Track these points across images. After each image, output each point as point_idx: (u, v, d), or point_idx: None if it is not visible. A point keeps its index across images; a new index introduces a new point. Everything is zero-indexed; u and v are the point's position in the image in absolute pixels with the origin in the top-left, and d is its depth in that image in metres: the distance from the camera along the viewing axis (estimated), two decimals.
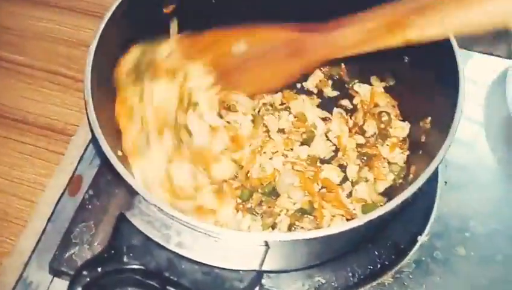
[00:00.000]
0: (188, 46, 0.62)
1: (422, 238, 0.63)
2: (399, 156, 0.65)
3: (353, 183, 0.64)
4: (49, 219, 0.61)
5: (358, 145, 0.67)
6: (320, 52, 0.61)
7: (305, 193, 0.63)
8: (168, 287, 0.43)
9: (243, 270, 0.41)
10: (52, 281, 0.64)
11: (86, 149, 0.67)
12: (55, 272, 0.63)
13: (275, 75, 0.65)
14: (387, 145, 0.66)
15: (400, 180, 0.64)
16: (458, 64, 0.51)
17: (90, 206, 0.66)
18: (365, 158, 0.66)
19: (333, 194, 0.63)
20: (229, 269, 0.42)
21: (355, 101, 0.71)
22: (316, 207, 0.62)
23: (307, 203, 0.62)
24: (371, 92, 0.70)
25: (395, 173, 0.64)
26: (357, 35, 0.56)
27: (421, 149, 0.58)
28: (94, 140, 0.63)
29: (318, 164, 0.66)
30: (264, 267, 0.43)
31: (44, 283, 0.63)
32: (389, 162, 0.65)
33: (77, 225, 0.64)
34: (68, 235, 0.64)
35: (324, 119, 0.70)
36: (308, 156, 0.66)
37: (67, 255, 0.62)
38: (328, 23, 0.58)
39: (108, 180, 0.68)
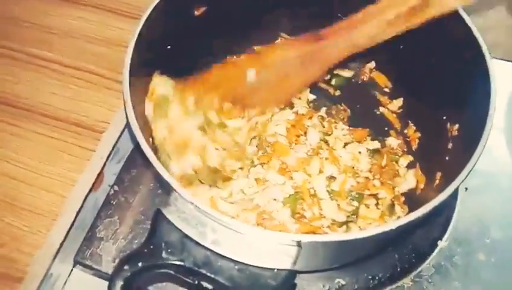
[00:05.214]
0: (199, 85, 0.62)
1: (442, 243, 0.64)
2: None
3: None
4: (77, 213, 0.63)
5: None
6: (336, 53, 0.60)
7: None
8: (202, 282, 0.44)
9: (277, 269, 0.43)
10: (71, 272, 0.66)
11: (114, 146, 0.68)
12: (79, 265, 0.64)
13: (289, 87, 0.65)
14: None
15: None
16: (490, 74, 0.52)
17: (114, 202, 0.68)
18: None
19: None
20: (263, 268, 0.43)
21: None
22: None
23: None
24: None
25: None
26: (375, 28, 0.55)
27: (447, 155, 0.58)
28: (133, 140, 0.64)
29: None
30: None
31: (64, 274, 0.65)
32: None
33: (102, 220, 0.66)
34: (93, 230, 0.65)
35: None
36: None
37: (91, 249, 0.64)
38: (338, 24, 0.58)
39: (132, 176, 0.70)
